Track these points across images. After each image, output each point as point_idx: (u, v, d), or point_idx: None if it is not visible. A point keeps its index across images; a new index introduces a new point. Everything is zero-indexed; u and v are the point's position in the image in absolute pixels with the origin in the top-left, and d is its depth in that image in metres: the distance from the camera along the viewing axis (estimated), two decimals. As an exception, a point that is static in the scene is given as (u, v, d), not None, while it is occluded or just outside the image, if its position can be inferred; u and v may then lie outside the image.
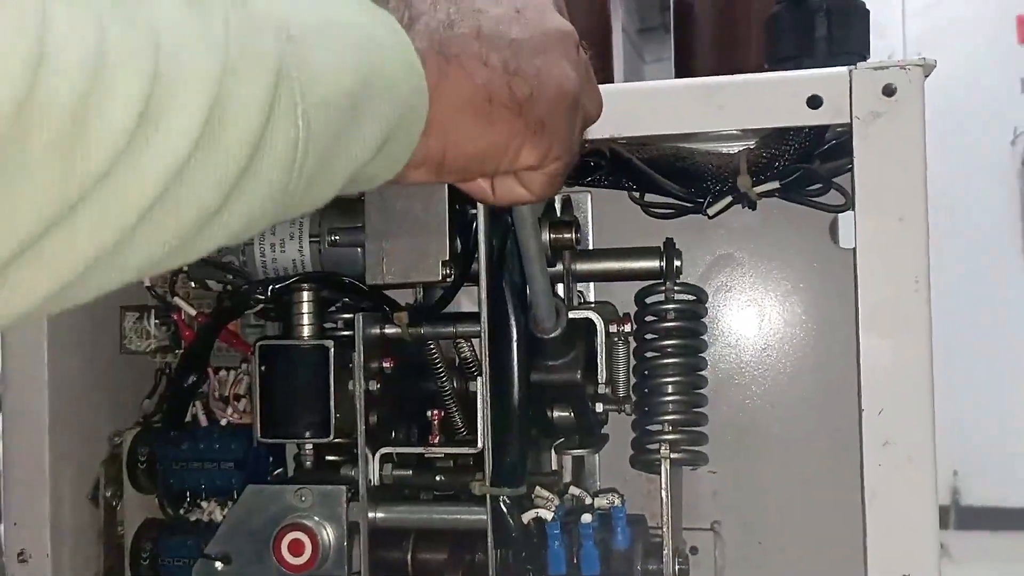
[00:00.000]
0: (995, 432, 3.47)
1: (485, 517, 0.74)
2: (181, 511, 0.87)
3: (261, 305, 0.83)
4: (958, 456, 3.25)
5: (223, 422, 0.87)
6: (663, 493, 0.79)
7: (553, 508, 0.74)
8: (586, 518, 0.73)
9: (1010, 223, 3.61)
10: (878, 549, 0.67)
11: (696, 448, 0.82)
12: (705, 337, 0.85)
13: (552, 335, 0.73)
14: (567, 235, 0.79)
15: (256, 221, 0.36)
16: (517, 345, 0.72)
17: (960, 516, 3.47)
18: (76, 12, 0.27)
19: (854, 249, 0.69)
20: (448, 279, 0.76)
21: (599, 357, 0.77)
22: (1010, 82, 3.60)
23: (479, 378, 0.75)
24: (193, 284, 0.87)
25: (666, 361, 0.81)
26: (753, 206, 0.81)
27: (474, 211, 0.76)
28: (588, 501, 0.76)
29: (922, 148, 0.68)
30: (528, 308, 0.73)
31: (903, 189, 0.67)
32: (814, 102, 0.68)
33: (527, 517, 0.73)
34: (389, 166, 0.42)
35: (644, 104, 0.72)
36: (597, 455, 0.88)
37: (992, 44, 3.59)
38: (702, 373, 0.84)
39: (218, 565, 0.77)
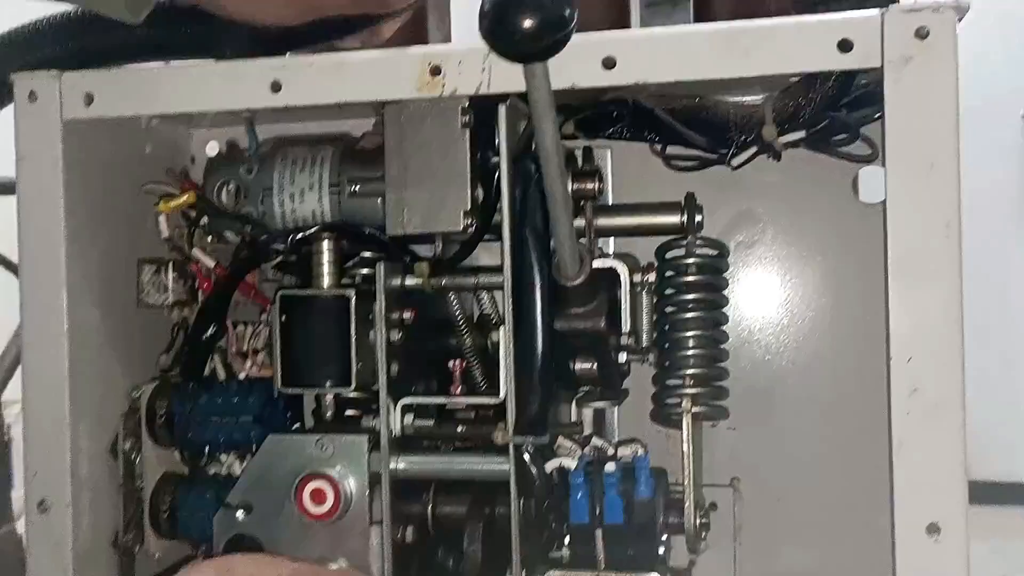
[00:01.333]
0: (1003, 407, 3.46)
1: (507, 467, 0.73)
2: (201, 464, 0.87)
3: (280, 257, 0.82)
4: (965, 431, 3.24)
5: (241, 376, 0.87)
6: (684, 446, 0.79)
7: (576, 457, 0.73)
8: (610, 467, 0.73)
9: (1019, 196, 3.59)
10: (905, 498, 0.66)
11: (717, 402, 0.82)
12: (726, 292, 0.84)
13: (576, 283, 0.72)
14: (590, 185, 0.79)
15: None
16: (540, 292, 0.71)
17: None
18: None
19: (884, 200, 0.68)
20: (469, 229, 0.76)
21: (622, 306, 0.77)
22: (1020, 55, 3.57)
23: (502, 327, 0.74)
24: (211, 237, 0.86)
25: (687, 315, 0.81)
26: (778, 157, 0.80)
27: (496, 159, 0.75)
28: (611, 452, 0.76)
29: (955, 93, 0.67)
30: (551, 256, 0.73)
31: (935, 134, 0.66)
32: (844, 46, 0.67)
33: (550, 466, 0.73)
34: None
35: (669, 49, 0.71)
36: (617, 409, 0.88)
37: (1004, 17, 3.55)
38: (723, 328, 0.84)
39: (239, 515, 0.77)
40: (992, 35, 3.50)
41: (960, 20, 0.67)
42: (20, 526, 1.67)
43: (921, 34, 0.66)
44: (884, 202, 0.69)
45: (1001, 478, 3.49)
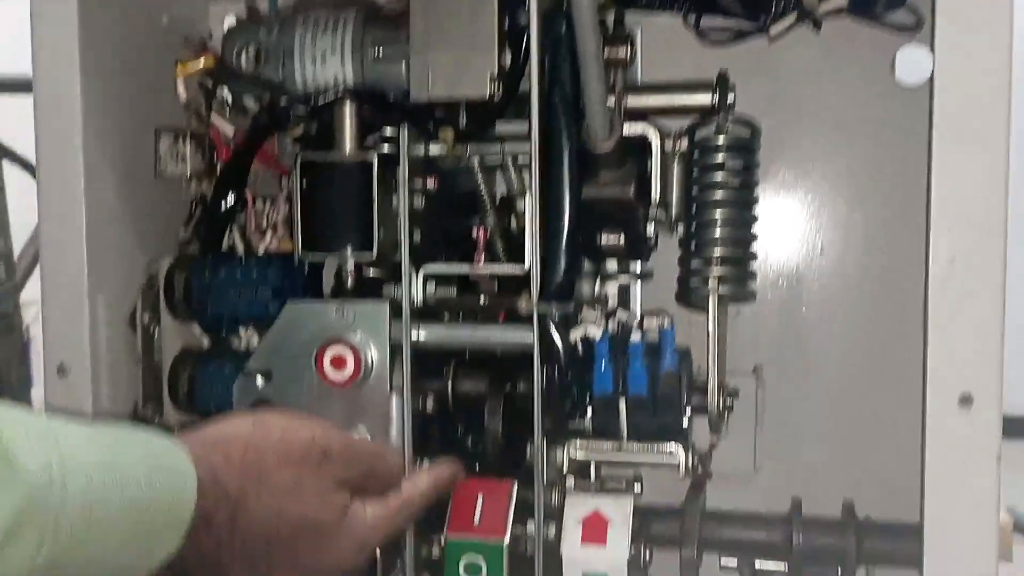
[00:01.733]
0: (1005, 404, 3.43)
1: (531, 337, 0.72)
2: (220, 338, 0.86)
3: (301, 125, 0.80)
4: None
5: (260, 250, 0.85)
6: (709, 326, 0.78)
7: (601, 328, 0.72)
8: (635, 337, 0.71)
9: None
10: (938, 368, 0.65)
11: (744, 285, 0.80)
12: (757, 174, 0.82)
13: (605, 149, 0.70)
14: (620, 52, 0.76)
15: None
16: (569, 156, 0.69)
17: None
18: None
19: (930, 73, 0.66)
20: (496, 95, 0.73)
21: (653, 175, 0.75)
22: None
23: (527, 194, 0.72)
24: (229, 110, 0.84)
25: (717, 195, 0.79)
26: (818, 26, 0.76)
27: (525, 21, 0.72)
28: (636, 324, 0.75)
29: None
30: (580, 120, 0.70)
31: (988, -10, 0.63)
32: None
33: (574, 335, 0.72)
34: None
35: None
36: (640, 289, 0.86)
37: None
38: (753, 210, 0.81)
39: (259, 382, 0.77)
40: None
41: None
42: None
43: None
44: (931, 73, 0.66)
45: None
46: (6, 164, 1.95)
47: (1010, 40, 0.64)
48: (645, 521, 0.82)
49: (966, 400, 0.64)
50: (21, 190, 1.88)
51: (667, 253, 0.84)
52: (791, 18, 0.75)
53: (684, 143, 0.76)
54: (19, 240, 1.97)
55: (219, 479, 0.54)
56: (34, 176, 0.85)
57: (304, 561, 0.59)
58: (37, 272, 1.10)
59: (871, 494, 0.86)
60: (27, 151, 1.80)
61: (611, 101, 0.77)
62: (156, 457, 0.52)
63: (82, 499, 0.46)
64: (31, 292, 1.96)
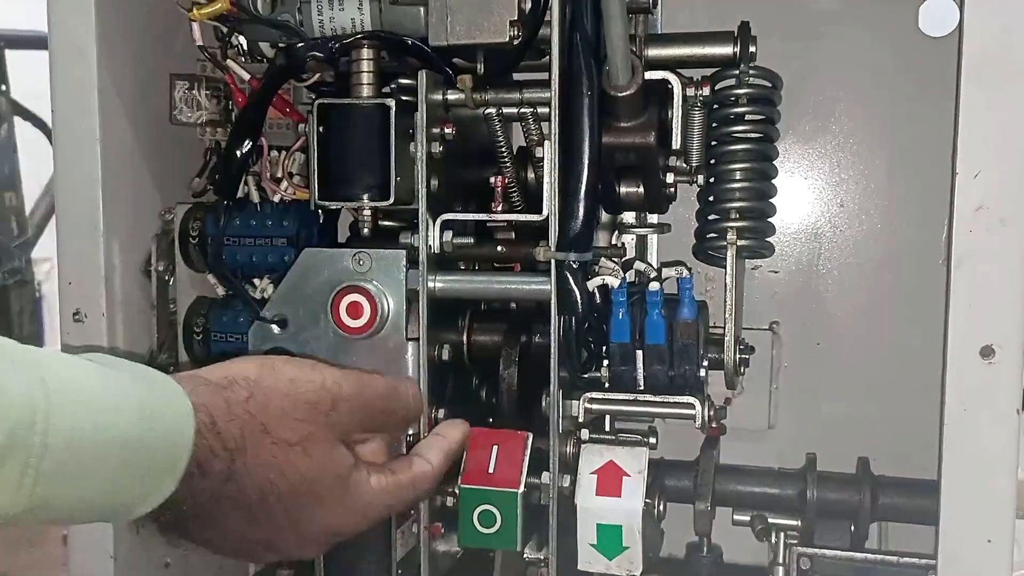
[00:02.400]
0: None
1: (548, 287, 0.72)
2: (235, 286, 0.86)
3: (316, 76, 0.79)
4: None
5: (276, 199, 0.85)
6: (727, 278, 0.77)
7: (619, 277, 0.72)
8: (654, 286, 0.71)
9: None
10: (961, 319, 0.64)
11: (763, 238, 0.80)
12: (778, 126, 0.81)
13: (626, 93, 0.69)
14: (642, -3, 0.74)
15: None
16: (589, 101, 0.68)
17: None
18: None
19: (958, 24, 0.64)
20: (516, 40, 0.72)
21: (674, 122, 0.74)
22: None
23: (546, 142, 0.71)
24: (244, 57, 0.83)
25: (736, 147, 0.77)
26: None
27: (546, -37, 0.71)
28: (653, 275, 0.74)
29: None
30: (601, 65, 0.69)
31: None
32: None
33: (593, 284, 0.71)
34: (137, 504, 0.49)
35: None
36: (657, 241, 0.85)
37: None
38: (773, 163, 0.80)
39: (274, 328, 0.76)
40: None
41: None
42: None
43: None
44: (957, 24, 0.65)
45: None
46: (18, 123, 1.95)
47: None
48: (660, 474, 0.82)
49: (988, 352, 0.64)
50: (32, 146, 1.89)
51: (683, 214, 0.84)
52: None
53: (706, 90, 0.75)
54: (31, 197, 1.98)
55: (219, 425, 0.51)
56: (46, 134, 0.84)
57: (302, 521, 0.56)
58: (49, 229, 1.09)
59: (887, 453, 0.86)
60: (40, 109, 1.80)
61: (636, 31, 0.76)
62: (152, 395, 0.49)
63: (68, 434, 0.44)
64: (42, 250, 1.97)
